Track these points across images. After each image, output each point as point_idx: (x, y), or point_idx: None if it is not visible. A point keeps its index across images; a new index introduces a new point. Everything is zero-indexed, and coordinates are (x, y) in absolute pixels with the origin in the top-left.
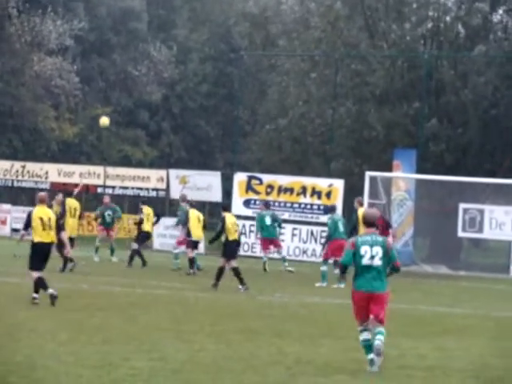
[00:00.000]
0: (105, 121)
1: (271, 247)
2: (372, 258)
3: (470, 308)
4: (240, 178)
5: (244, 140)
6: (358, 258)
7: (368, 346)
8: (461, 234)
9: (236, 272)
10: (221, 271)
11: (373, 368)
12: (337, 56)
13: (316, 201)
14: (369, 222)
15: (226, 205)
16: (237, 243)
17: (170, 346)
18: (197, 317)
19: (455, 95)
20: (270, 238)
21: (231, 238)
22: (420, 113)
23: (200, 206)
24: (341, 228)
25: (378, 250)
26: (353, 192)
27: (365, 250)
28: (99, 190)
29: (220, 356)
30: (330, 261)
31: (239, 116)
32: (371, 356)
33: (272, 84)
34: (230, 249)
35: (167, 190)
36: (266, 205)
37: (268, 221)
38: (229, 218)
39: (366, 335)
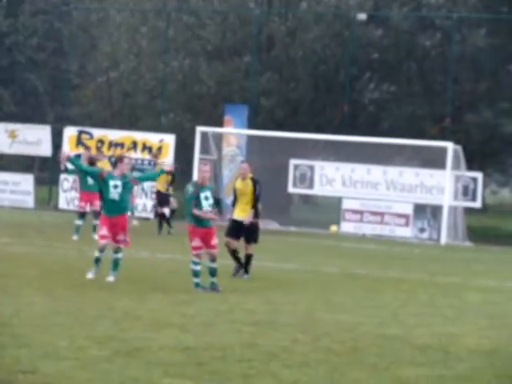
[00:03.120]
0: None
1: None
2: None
3: (299, 263)
4: (70, 132)
5: (74, 93)
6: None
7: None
8: (291, 189)
9: None
10: None
11: (109, 278)
12: (168, 9)
13: (147, 156)
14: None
15: None
16: None
17: None
18: (24, 272)
19: (285, 51)
20: None
21: None
22: (251, 68)
23: (30, 160)
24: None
25: (119, 184)
26: (184, 147)
27: (113, 183)
28: None
29: (48, 310)
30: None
31: (69, 69)
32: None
33: (103, 37)
34: None
35: None
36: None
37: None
38: None
39: (97, 254)
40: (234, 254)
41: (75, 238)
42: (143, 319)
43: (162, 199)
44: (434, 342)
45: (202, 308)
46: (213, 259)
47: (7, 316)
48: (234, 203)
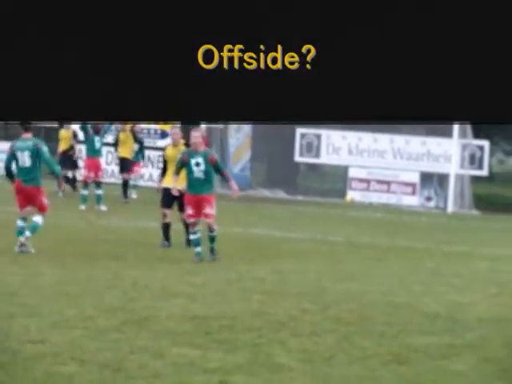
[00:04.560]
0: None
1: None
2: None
3: (307, 232)
4: None
5: None
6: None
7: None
8: (298, 158)
9: None
10: None
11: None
12: None
13: (152, 125)
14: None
15: None
16: None
17: (4, 270)
18: (33, 241)
19: None
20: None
21: None
22: None
23: (36, 130)
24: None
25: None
26: None
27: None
28: None
29: (56, 280)
30: None
31: None
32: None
33: None
34: None
35: None
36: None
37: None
38: None
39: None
40: (166, 227)
41: (83, 207)
42: (152, 289)
43: (125, 166)
44: (443, 311)
45: (211, 277)
46: (211, 229)
47: (16, 286)
48: (163, 171)
